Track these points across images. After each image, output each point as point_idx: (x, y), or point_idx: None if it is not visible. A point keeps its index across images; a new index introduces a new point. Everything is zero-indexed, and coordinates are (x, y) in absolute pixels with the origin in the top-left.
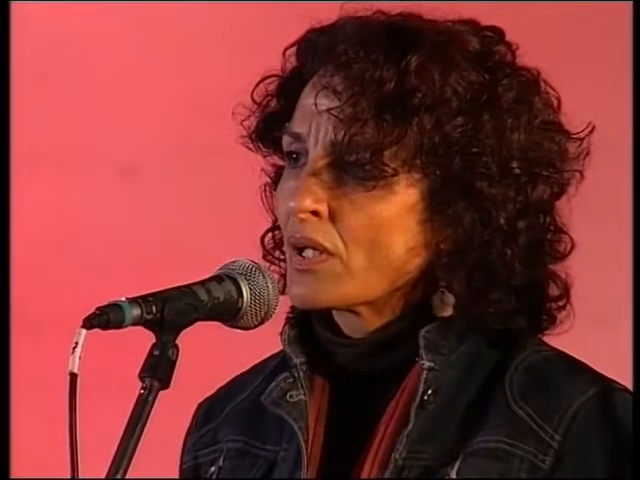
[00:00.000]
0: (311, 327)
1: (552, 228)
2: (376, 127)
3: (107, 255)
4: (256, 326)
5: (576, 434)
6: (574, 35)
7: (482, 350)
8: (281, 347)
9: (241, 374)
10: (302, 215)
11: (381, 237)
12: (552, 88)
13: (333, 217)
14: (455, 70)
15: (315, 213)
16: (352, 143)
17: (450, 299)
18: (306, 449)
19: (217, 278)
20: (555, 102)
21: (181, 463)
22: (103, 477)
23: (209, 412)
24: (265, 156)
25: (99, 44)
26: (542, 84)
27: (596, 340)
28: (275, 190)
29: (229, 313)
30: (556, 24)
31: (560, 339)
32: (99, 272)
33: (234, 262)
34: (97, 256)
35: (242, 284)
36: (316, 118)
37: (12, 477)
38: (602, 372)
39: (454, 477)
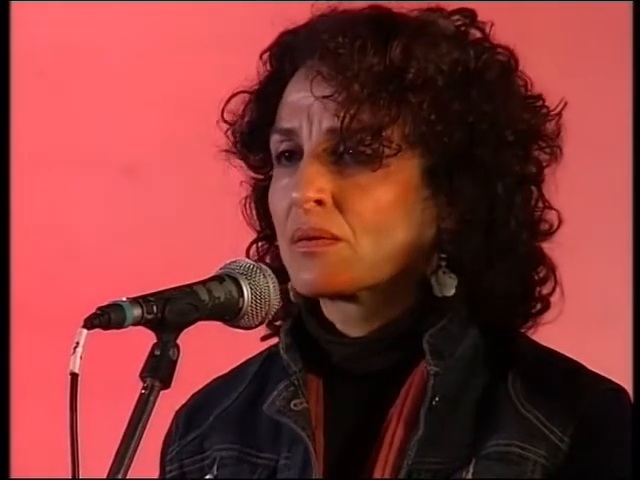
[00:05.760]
0: (304, 333)
1: (541, 204)
2: (373, 107)
3: (108, 255)
4: (257, 326)
5: (583, 437)
6: (574, 35)
7: (479, 351)
8: (257, 351)
9: (217, 379)
10: (307, 205)
11: (387, 220)
12: (521, 71)
13: (338, 204)
14: (438, 48)
15: (319, 202)
16: (352, 126)
17: (452, 279)
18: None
19: (218, 278)
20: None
21: (162, 472)
22: (104, 477)
23: (191, 419)
24: (252, 167)
25: (99, 43)
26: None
27: (596, 340)
28: (253, 202)
29: (230, 313)
30: (556, 24)
31: (560, 338)
32: (100, 272)
33: (235, 262)
34: (98, 256)
35: (243, 284)
36: (308, 110)
37: (12, 477)
38: (601, 372)
39: (469, 478)
